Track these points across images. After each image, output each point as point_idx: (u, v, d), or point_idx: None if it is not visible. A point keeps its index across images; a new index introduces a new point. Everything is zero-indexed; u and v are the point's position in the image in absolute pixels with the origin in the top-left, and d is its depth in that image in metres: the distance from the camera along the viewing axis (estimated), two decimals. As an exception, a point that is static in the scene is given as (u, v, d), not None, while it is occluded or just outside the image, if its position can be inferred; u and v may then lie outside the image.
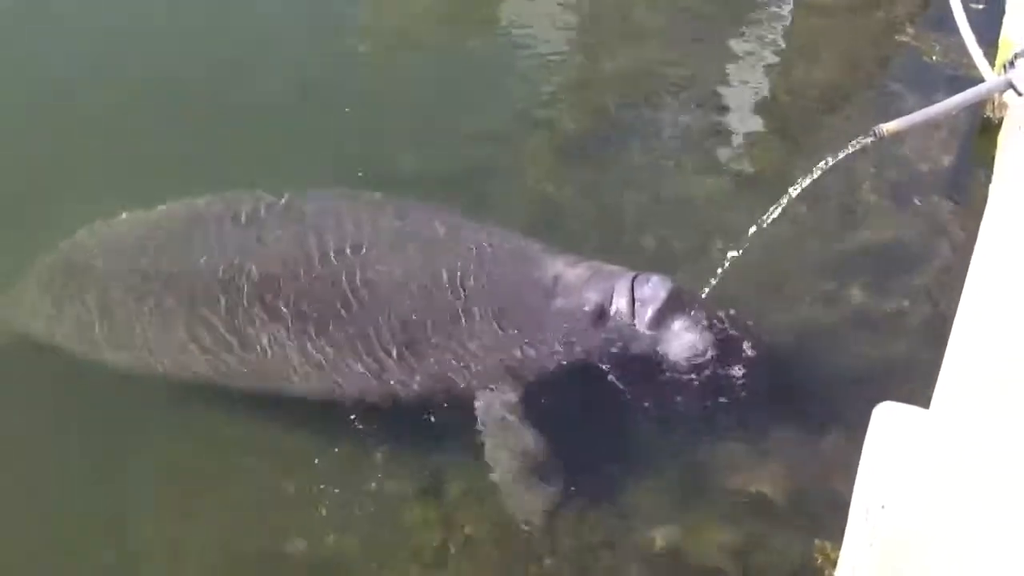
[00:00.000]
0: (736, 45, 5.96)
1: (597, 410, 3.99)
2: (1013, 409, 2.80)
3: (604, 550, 3.66)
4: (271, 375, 3.86)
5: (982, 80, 4.43)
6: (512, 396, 3.81)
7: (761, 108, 5.56)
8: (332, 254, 3.89)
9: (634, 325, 3.83)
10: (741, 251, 4.07)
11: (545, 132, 5.30)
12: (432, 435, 3.90)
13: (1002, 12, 5.26)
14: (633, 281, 3.85)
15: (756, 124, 5.45)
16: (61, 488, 3.91)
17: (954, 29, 4.88)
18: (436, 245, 3.96)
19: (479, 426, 3.80)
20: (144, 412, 4.10)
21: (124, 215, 4.31)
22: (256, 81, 5.49)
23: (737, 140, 5.34)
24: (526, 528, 3.70)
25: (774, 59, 5.88)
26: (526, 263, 3.95)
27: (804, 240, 4.71)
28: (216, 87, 5.44)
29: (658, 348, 3.86)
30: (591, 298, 3.82)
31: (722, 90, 5.64)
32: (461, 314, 3.81)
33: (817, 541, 3.55)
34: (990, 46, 5.01)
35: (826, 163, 4.03)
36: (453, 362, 3.81)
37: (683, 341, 3.85)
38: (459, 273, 3.86)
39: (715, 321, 3.97)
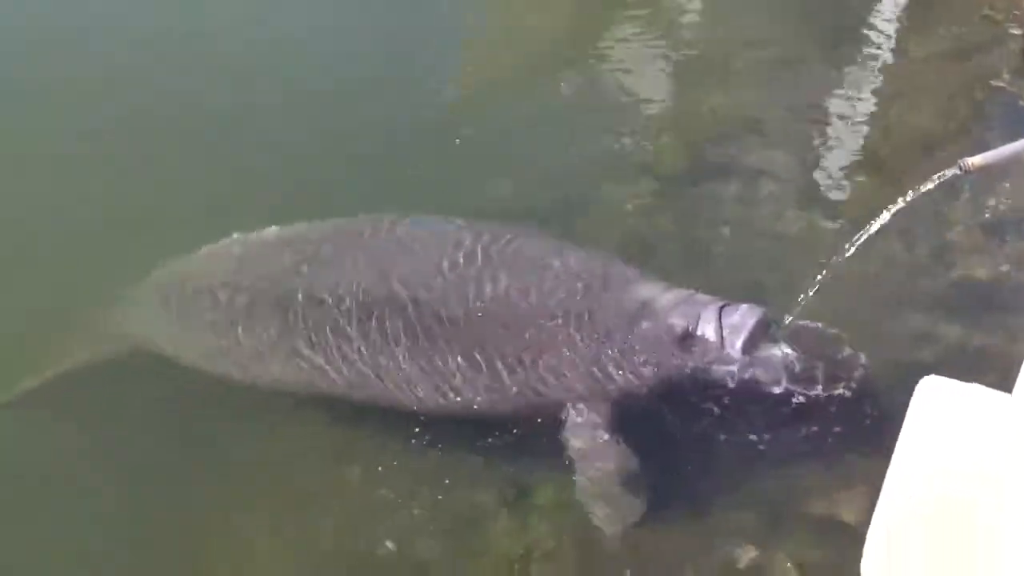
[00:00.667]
0: (831, 87, 6.02)
1: (684, 432, 4.07)
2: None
3: (686, 566, 3.73)
4: (388, 387, 4.05)
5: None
6: (600, 414, 3.93)
7: (855, 149, 5.59)
8: (447, 272, 4.09)
9: (722, 350, 3.90)
10: (824, 276, 4.05)
11: (640, 168, 5.42)
12: (520, 449, 4.04)
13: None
14: (721, 310, 3.93)
15: (850, 164, 5.48)
16: (164, 493, 4.13)
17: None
18: (542, 267, 4.11)
19: (567, 441, 3.92)
20: (249, 424, 4.32)
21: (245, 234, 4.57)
22: (371, 123, 5.74)
23: (830, 180, 5.38)
24: (609, 542, 3.79)
25: (870, 101, 5.92)
26: (622, 287, 4.07)
27: (897, 275, 4.73)
28: (335, 123, 5.71)
29: (745, 374, 3.93)
30: (677, 323, 3.92)
31: (816, 131, 5.70)
32: (561, 332, 3.95)
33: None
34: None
35: (912, 194, 4.03)
36: (552, 379, 3.95)
37: (769, 367, 3.93)
38: (563, 295, 4.01)
39: (803, 350, 4.02)
